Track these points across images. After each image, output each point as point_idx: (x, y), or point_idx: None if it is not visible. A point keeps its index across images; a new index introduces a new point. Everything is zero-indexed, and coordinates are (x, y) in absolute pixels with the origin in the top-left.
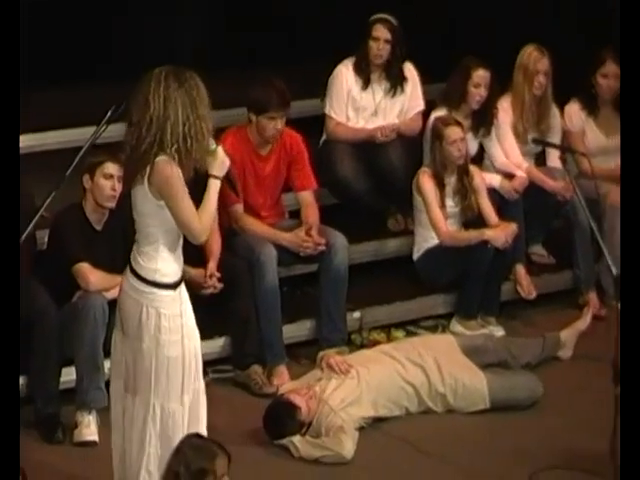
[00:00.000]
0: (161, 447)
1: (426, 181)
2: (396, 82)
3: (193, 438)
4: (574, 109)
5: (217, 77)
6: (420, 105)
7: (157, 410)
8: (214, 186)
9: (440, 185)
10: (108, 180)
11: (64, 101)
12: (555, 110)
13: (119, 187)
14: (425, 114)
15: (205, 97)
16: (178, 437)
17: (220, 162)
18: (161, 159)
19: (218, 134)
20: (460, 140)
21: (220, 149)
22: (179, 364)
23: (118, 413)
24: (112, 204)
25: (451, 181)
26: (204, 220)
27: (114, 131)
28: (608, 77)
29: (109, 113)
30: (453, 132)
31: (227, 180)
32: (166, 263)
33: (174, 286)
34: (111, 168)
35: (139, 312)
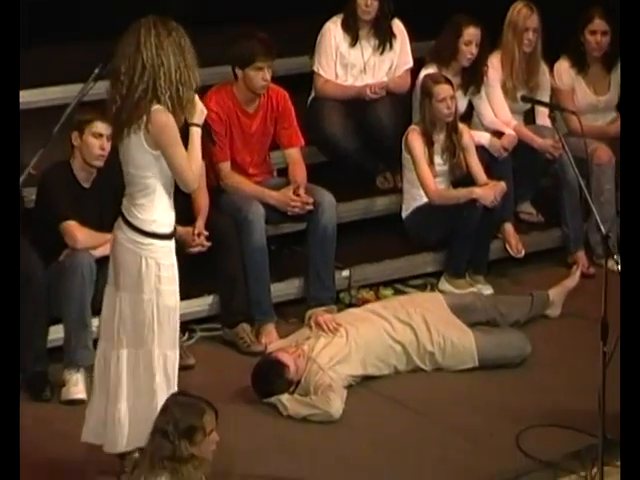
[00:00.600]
0: (163, 394)
1: (415, 139)
2: (385, 39)
3: (179, 396)
4: (564, 67)
5: (200, 35)
6: (409, 62)
7: (161, 359)
8: (196, 134)
9: (429, 143)
10: (97, 139)
11: (51, 59)
12: (544, 67)
13: (108, 146)
14: (414, 72)
15: (191, 46)
16: (174, 386)
17: (199, 110)
18: (157, 108)
19: (202, 92)
20: (450, 98)
21: (197, 97)
22: (176, 313)
23: (102, 372)
24: (100, 163)
25: (440, 139)
26: (195, 168)
27: (102, 88)
28: (596, 34)
29: (96, 70)
30: (443, 90)
31: (210, 136)
32: (162, 214)
33: (170, 236)
34: (100, 127)
35: (138, 264)
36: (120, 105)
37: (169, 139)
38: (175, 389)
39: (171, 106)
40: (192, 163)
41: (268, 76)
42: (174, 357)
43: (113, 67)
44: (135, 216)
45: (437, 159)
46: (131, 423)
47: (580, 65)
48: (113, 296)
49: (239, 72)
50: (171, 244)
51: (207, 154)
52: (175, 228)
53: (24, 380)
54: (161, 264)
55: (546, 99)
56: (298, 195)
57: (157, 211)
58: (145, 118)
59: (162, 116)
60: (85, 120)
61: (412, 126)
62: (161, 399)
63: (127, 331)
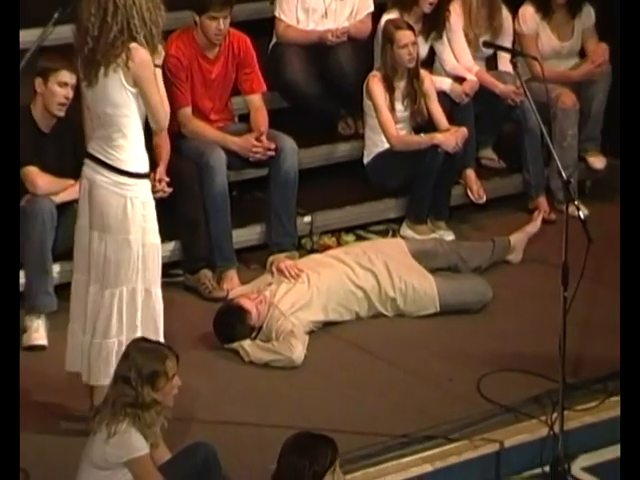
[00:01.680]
0: (145, 331)
1: (375, 85)
2: None
3: (140, 342)
4: (528, 12)
5: None
6: (370, 7)
7: (143, 294)
8: (159, 75)
9: (390, 89)
10: (62, 88)
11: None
12: (507, 13)
13: (71, 95)
14: (376, 17)
15: None
16: (160, 320)
17: (159, 52)
18: (136, 45)
19: (163, 37)
20: (411, 44)
21: None
22: (159, 250)
23: (79, 304)
24: (62, 112)
25: (401, 85)
26: (166, 106)
27: (61, 33)
28: None
29: (56, 15)
30: (404, 36)
31: (174, 83)
32: (139, 153)
33: (148, 175)
34: (67, 76)
35: (122, 206)
36: (93, 46)
37: (149, 75)
38: (160, 329)
39: (146, 43)
40: (163, 101)
41: (222, 26)
42: (158, 294)
43: (79, 9)
44: (116, 158)
45: (398, 105)
46: (115, 358)
47: (545, 10)
48: (91, 238)
49: (196, 18)
50: (148, 182)
51: (168, 100)
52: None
53: None
54: (145, 202)
55: (509, 44)
56: (260, 141)
57: (135, 150)
58: (125, 56)
59: (142, 53)
60: (51, 68)
61: (373, 72)
62: (144, 335)
63: (112, 271)
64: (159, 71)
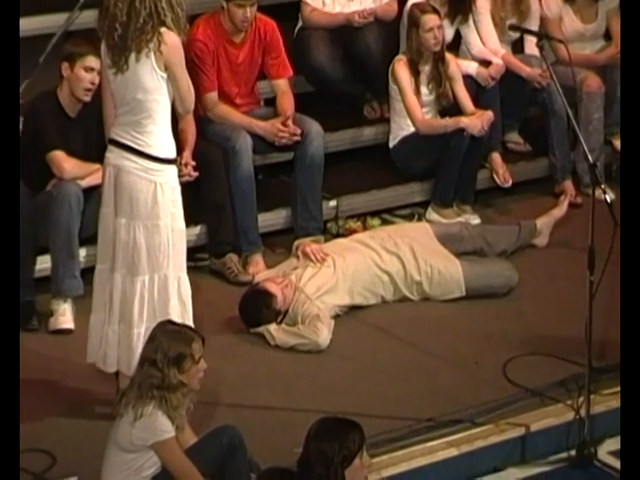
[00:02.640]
0: (178, 317)
1: (401, 69)
2: None
3: (166, 325)
4: None
5: None
6: None
7: (175, 282)
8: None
9: (415, 73)
10: (88, 73)
11: None
12: None
13: (97, 80)
14: (403, 0)
15: None
16: (189, 304)
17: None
18: (166, 30)
19: (190, 21)
20: (437, 28)
21: None
22: (185, 235)
23: (102, 294)
24: (88, 97)
25: (426, 69)
26: (192, 90)
27: (87, 18)
28: None
29: None
30: (430, 19)
31: (200, 68)
32: (168, 138)
33: (176, 160)
34: (93, 62)
35: (152, 191)
36: (122, 33)
37: (180, 60)
38: (190, 312)
39: (175, 27)
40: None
41: (249, 14)
42: (186, 279)
43: None
44: (145, 143)
45: (423, 89)
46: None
47: None
48: (118, 226)
49: (224, 3)
50: (176, 168)
51: (194, 84)
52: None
53: None
54: (174, 187)
55: (535, 28)
56: (286, 126)
57: (164, 136)
58: (157, 41)
59: (173, 37)
60: (78, 53)
61: (398, 56)
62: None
63: (142, 258)
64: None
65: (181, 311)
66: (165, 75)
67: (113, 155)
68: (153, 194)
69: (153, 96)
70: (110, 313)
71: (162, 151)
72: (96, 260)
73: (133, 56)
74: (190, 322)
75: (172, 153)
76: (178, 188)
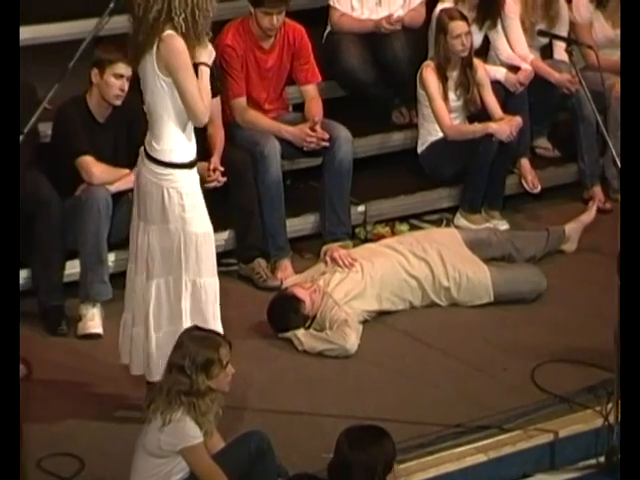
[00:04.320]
0: (193, 321)
1: (429, 75)
2: None
3: (194, 331)
4: (582, 1)
5: None
6: None
7: (189, 286)
8: (205, 73)
9: (443, 78)
10: (118, 80)
11: None
12: (562, 1)
13: (127, 87)
14: (431, 5)
15: None
16: (209, 310)
17: (209, 50)
18: (169, 33)
19: (220, 27)
20: (464, 34)
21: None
22: (208, 238)
23: (130, 294)
24: (119, 102)
25: (454, 74)
26: (206, 101)
27: (117, 23)
28: None
29: (111, 4)
30: (457, 26)
31: (219, 79)
32: (179, 143)
33: (190, 165)
34: (123, 69)
35: (161, 195)
36: (136, 27)
37: (179, 64)
38: (215, 317)
39: (185, 29)
40: (204, 96)
41: (276, 21)
42: (206, 284)
43: None
44: (154, 148)
45: (451, 95)
46: (163, 351)
47: None
48: (138, 228)
49: (252, 9)
50: (193, 172)
51: (223, 89)
52: (196, 158)
53: (40, 314)
54: (183, 193)
55: (564, 33)
56: (314, 131)
57: (173, 140)
58: (157, 40)
59: (173, 39)
60: (108, 59)
61: (426, 62)
62: (185, 326)
63: (156, 261)
64: (207, 70)
65: (198, 318)
66: (169, 80)
67: (139, 159)
68: (161, 198)
69: (158, 100)
70: (134, 315)
71: (169, 155)
72: (125, 264)
73: (142, 54)
74: (214, 327)
75: (182, 158)
76: (192, 193)
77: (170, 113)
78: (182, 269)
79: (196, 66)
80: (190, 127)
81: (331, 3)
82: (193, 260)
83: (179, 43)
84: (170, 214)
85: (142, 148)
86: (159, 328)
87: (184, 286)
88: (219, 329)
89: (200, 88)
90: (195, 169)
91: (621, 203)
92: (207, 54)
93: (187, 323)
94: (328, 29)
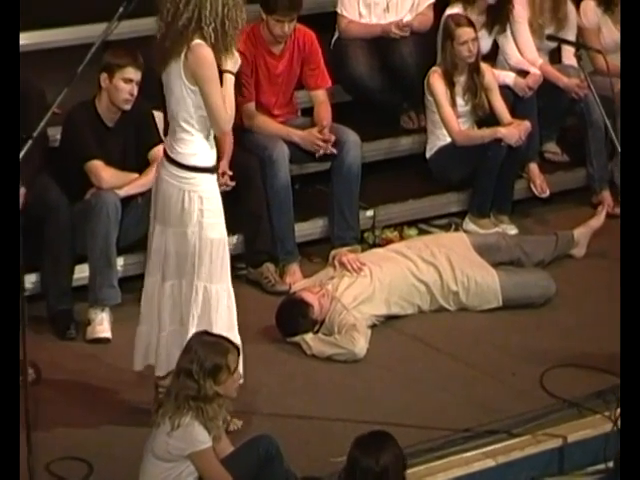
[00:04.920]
0: (199, 327)
1: (436, 81)
2: None
3: (203, 336)
4: (590, 5)
5: None
6: None
7: (200, 291)
8: (229, 81)
9: (450, 84)
10: (127, 84)
11: None
12: (571, 5)
13: (136, 91)
14: (440, 10)
15: None
16: (218, 318)
17: (236, 58)
18: (198, 42)
19: None
20: (471, 40)
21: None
22: (222, 246)
23: (153, 305)
24: (128, 106)
25: (461, 80)
26: (229, 110)
27: (126, 28)
28: None
29: (121, 9)
30: (464, 32)
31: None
32: (202, 147)
33: (212, 170)
34: (132, 73)
35: (181, 199)
36: (165, 32)
37: (206, 73)
38: (231, 326)
39: (214, 39)
40: (227, 105)
41: (287, 29)
42: (216, 291)
43: None
44: (177, 151)
45: (459, 100)
46: (171, 350)
47: (606, 3)
48: (155, 231)
49: (263, 15)
50: (213, 178)
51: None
52: (217, 164)
53: (49, 318)
54: (204, 197)
55: (572, 37)
56: (322, 135)
57: (197, 145)
58: (186, 48)
59: (202, 50)
60: (117, 64)
61: (433, 68)
62: (192, 330)
63: (170, 264)
64: (232, 78)
65: (205, 323)
66: (195, 89)
67: (159, 162)
68: (181, 202)
69: (183, 106)
70: (142, 317)
71: (191, 159)
72: (134, 268)
73: (168, 60)
74: (235, 333)
75: (204, 162)
76: (212, 198)
77: (194, 119)
78: (195, 273)
79: (221, 73)
80: (212, 133)
81: (339, 11)
82: (206, 266)
83: (207, 53)
84: (188, 218)
85: (162, 151)
86: (166, 327)
87: (194, 290)
88: (236, 339)
89: (224, 96)
90: (215, 175)
91: (621, 205)
92: (233, 62)
93: (194, 327)
94: (336, 35)
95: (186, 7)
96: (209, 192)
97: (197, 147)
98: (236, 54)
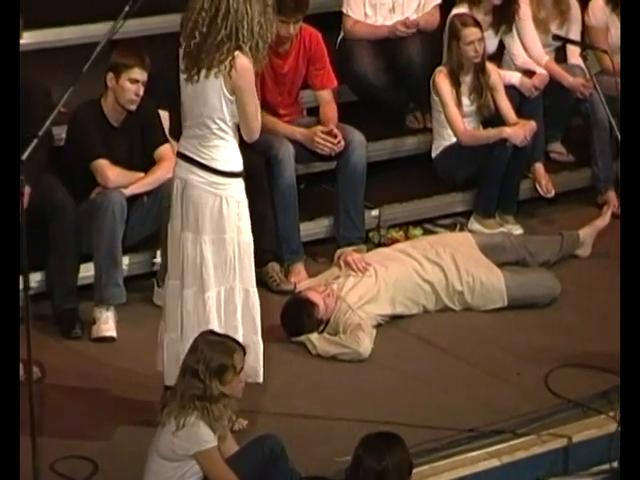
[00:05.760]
0: (248, 331)
1: (442, 80)
2: None
3: (209, 335)
4: (598, 5)
5: None
6: None
7: (242, 294)
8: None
9: (456, 84)
10: (133, 84)
11: None
12: (574, 1)
13: (142, 91)
14: (446, 10)
15: (274, 2)
16: (257, 320)
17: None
18: (240, 54)
19: None
20: (477, 41)
21: None
22: (252, 248)
23: (175, 311)
24: (134, 107)
25: (467, 80)
26: (259, 119)
27: (132, 26)
28: None
29: (126, 8)
30: (470, 33)
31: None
32: (235, 153)
33: (242, 175)
34: (138, 74)
35: (218, 205)
36: (199, 42)
37: (247, 85)
38: (258, 326)
39: (251, 56)
40: (258, 112)
41: (292, 30)
42: (255, 293)
43: None
44: (211, 157)
45: (465, 100)
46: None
47: (615, 2)
48: (187, 241)
49: None
50: (242, 182)
51: None
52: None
53: (55, 317)
54: (240, 201)
55: (577, 33)
56: (331, 134)
57: (230, 150)
58: (228, 64)
59: (245, 63)
60: (124, 64)
61: (439, 67)
62: (242, 334)
63: (211, 273)
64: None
65: (250, 325)
66: (232, 98)
67: (180, 169)
68: (219, 208)
69: (218, 115)
70: (182, 331)
71: (227, 165)
72: (139, 267)
73: (204, 72)
74: (259, 336)
75: (238, 167)
76: (244, 202)
77: (229, 125)
78: (236, 278)
79: None
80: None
81: (344, 11)
82: (247, 269)
83: (249, 65)
84: (227, 224)
85: (180, 158)
86: None
87: (238, 295)
88: (260, 337)
89: (256, 104)
90: (242, 179)
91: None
92: (259, 65)
93: (241, 332)
94: (341, 35)
95: (224, 22)
96: (242, 196)
97: (231, 153)
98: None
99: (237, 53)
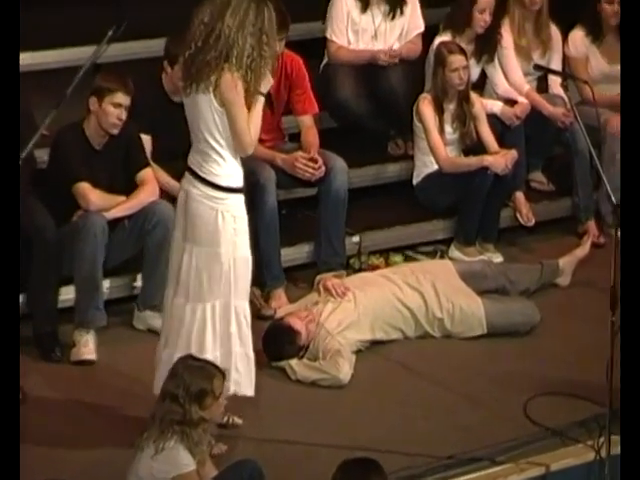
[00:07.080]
0: (241, 345)
1: (425, 107)
2: (395, 4)
3: (189, 360)
4: (578, 35)
5: None
6: (420, 27)
7: (235, 310)
8: (259, 102)
9: (439, 111)
10: (116, 109)
11: (65, 19)
12: (554, 28)
13: (124, 116)
14: (428, 38)
15: (273, 28)
16: (250, 335)
17: (268, 79)
18: (227, 67)
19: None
20: (462, 68)
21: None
22: (249, 264)
23: (174, 327)
24: (117, 130)
25: (450, 107)
26: (253, 133)
27: (114, 51)
28: (613, 3)
29: (110, 32)
30: (456, 60)
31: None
32: (235, 168)
33: (242, 190)
34: (122, 98)
35: (214, 218)
36: (193, 54)
37: (233, 98)
38: (250, 342)
39: (243, 74)
40: (252, 128)
41: (279, 49)
42: (246, 308)
43: (195, 11)
44: (210, 172)
45: (447, 127)
46: None
47: (595, 34)
48: (183, 251)
49: None
50: (242, 198)
51: None
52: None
53: (35, 339)
54: (236, 217)
55: (559, 62)
56: (312, 160)
57: (230, 165)
58: (215, 78)
59: (227, 74)
60: (107, 88)
61: (423, 94)
62: (238, 351)
63: (203, 285)
64: (262, 99)
65: (244, 340)
66: (222, 110)
67: (185, 181)
68: (214, 221)
69: (212, 129)
70: (177, 345)
71: (225, 180)
72: (119, 291)
73: (194, 86)
74: (251, 351)
75: (236, 182)
76: (242, 217)
77: (225, 140)
78: (231, 293)
79: None
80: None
81: (328, 36)
82: (242, 284)
83: (232, 77)
84: (222, 238)
85: (187, 170)
86: (203, 352)
87: (233, 310)
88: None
89: (252, 117)
90: (242, 195)
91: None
92: (265, 84)
93: (236, 347)
94: (325, 60)
95: (216, 44)
96: (240, 212)
97: (230, 168)
98: (269, 75)
99: (226, 66)
